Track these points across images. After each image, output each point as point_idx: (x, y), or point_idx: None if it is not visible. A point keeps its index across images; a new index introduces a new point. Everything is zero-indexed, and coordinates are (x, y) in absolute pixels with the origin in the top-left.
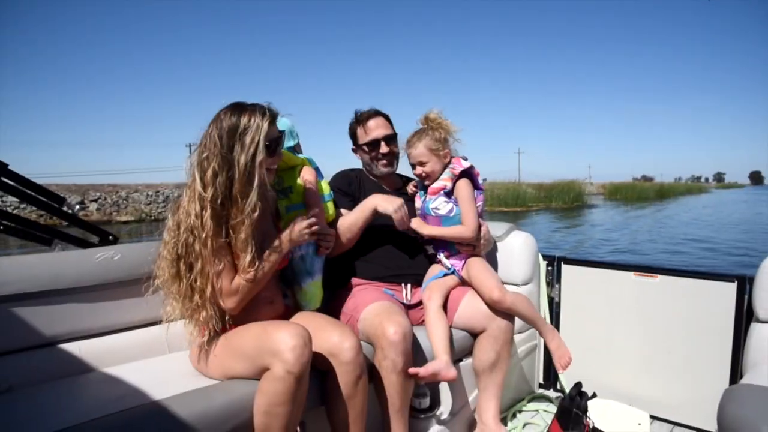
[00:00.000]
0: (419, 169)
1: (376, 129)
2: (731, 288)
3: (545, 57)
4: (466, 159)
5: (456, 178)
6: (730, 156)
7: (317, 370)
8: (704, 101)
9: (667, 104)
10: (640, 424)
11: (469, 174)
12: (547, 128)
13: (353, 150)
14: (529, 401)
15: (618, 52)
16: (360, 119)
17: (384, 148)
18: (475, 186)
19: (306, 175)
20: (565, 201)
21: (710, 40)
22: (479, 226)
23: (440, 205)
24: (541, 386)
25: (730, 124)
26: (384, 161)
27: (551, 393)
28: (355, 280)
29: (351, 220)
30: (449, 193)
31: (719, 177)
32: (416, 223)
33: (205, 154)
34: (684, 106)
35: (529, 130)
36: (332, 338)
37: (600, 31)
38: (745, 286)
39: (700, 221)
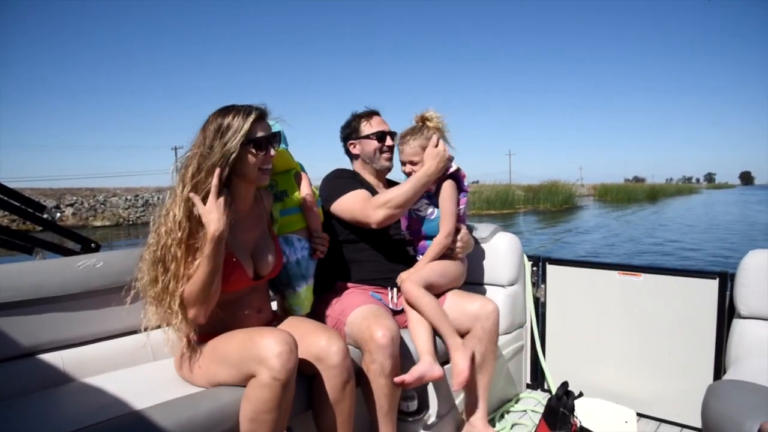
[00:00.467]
0: (409, 168)
1: (381, 124)
2: (713, 285)
3: (536, 58)
4: (452, 159)
5: (440, 181)
6: (721, 156)
7: (304, 375)
8: (696, 102)
9: (660, 105)
10: (626, 421)
11: (454, 176)
12: (539, 129)
13: (351, 144)
14: (516, 402)
15: (610, 52)
16: (363, 115)
17: (389, 142)
18: (460, 188)
19: (303, 182)
20: (554, 203)
21: (700, 40)
22: (455, 230)
23: (422, 206)
24: (528, 386)
25: (721, 125)
26: (387, 155)
27: (539, 393)
28: (341, 284)
29: (410, 195)
30: (432, 195)
31: (710, 177)
32: (408, 283)
33: (188, 155)
34: (676, 107)
35: (522, 131)
36: (319, 342)
37: (592, 30)
38: (726, 282)
39: (677, 223)
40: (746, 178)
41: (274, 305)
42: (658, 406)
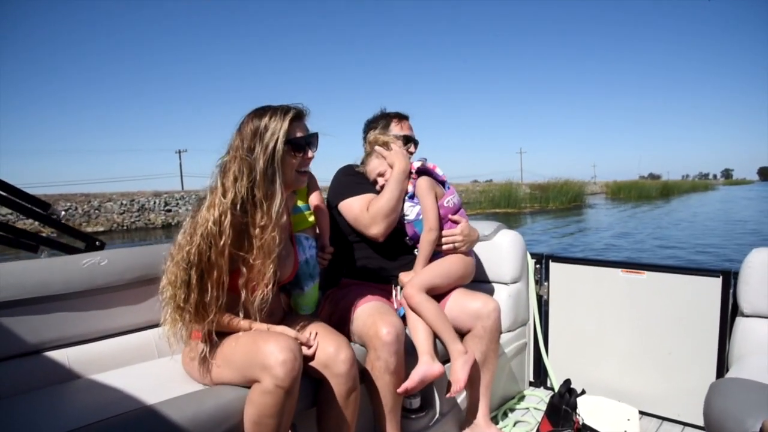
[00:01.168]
0: (382, 180)
1: (410, 130)
2: (717, 283)
3: (547, 55)
4: (421, 160)
5: (415, 180)
6: (739, 152)
7: (310, 377)
8: (712, 98)
9: (676, 101)
10: (629, 419)
11: (425, 172)
12: (552, 127)
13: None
14: (519, 399)
15: (623, 50)
16: (395, 115)
17: (412, 149)
18: (438, 181)
19: (315, 192)
20: (562, 201)
21: (715, 36)
22: (439, 224)
23: (407, 210)
24: (531, 384)
25: (738, 120)
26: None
27: (541, 391)
28: (346, 281)
29: (396, 196)
30: (413, 196)
31: (727, 173)
32: (409, 288)
33: (226, 159)
34: (692, 103)
35: (534, 129)
36: (327, 349)
37: (603, 29)
38: (729, 280)
39: (684, 220)
40: (765, 174)
41: None
42: (661, 404)
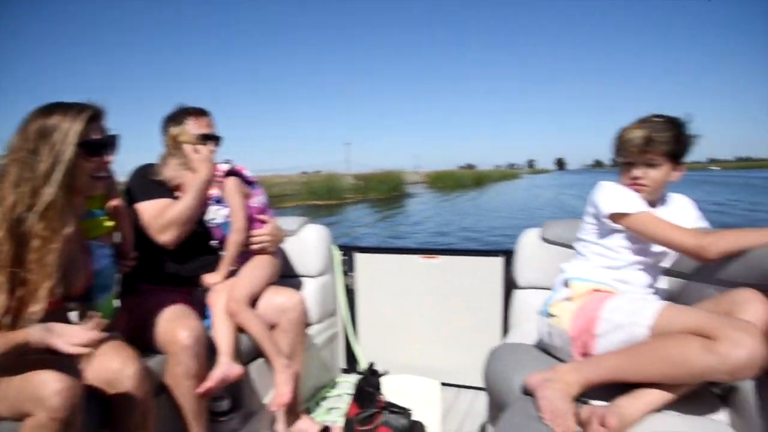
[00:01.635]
0: (180, 188)
1: (208, 127)
2: (500, 262)
3: (375, 45)
4: (227, 162)
5: (221, 182)
6: (540, 144)
7: (98, 398)
8: (519, 90)
9: (486, 93)
10: (430, 392)
11: (233, 173)
12: (381, 119)
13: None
14: (332, 387)
15: (441, 43)
16: (192, 112)
17: (212, 146)
18: (246, 182)
19: (114, 198)
20: (382, 191)
21: (506, 36)
22: (246, 225)
23: (213, 214)
24: (344, 371)
25: (539, 115)
26: None
27: (353, 376)
28: (144, 286)
29: (194, 206)
30: (220, 200)
31: (531, 164)
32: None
33: (3, 162)
34: (502, 96)
35: (365, 120)
36: (112, 365)
37: (419, 24)
38: (510, 259)
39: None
40: (560, 164)
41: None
42: (458, 373)
